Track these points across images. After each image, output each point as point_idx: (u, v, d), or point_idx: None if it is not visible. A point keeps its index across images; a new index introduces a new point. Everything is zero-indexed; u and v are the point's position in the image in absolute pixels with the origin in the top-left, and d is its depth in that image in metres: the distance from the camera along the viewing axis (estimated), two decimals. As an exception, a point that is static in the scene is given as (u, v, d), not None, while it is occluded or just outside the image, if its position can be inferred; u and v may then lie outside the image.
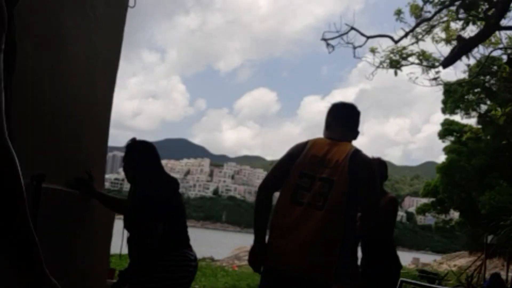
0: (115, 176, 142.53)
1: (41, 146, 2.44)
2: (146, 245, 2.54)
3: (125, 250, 2.71)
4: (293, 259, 2.26)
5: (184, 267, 2.61)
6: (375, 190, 2.43)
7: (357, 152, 2.38)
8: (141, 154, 2.74)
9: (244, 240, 37.74)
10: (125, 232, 2.71)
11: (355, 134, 2.61)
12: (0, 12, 1.03)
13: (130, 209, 2.70)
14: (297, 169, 2.38)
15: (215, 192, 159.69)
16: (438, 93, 21.95)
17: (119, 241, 2.83)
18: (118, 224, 3.46)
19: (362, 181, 2.31)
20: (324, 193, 2.28)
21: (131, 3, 3.57)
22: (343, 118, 2.59)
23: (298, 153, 2.42)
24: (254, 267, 2.48)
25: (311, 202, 2.28)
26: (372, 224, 2.42)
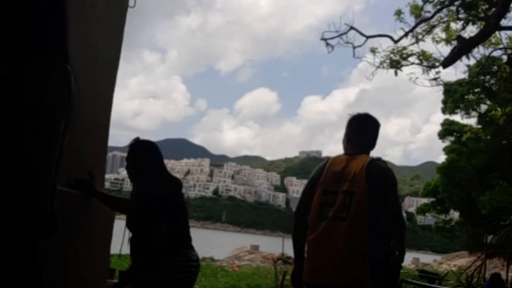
0: (115, 176, 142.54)
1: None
2: (149, 245, 2.54)
3: (125, 250, 2.71)
4: (325, 271, 2.41)
5: (186, 267, 2.61)
6: (393, 197, 2.52)
7: (372, 161, 2.50)
8: (144, 153, 2.74)
9: (244, 240, 37.75)
10: (127, 232, 2.71)
11: (373, 145, 2.70)
12: (67, 96, 1.26)
13: (132, 209, 2.71)
14: (320, 187, 2.52)
15: (215, 192, 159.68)
16: (438, 93, 22.00)
17: (119, 241, 2.83)
18: (118, 224, 3.46)
19: (379, 189, 2.41)
20: (346, 205, 2.40)
21: (131, 3, 3.57)
22: (362, 130, 2.68)
23: (319, 174, 2.58)
24: (296, 286, 2.63)
25: (335, 215, 2.42)
26: (398, 231, 2.51)
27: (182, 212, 2.72)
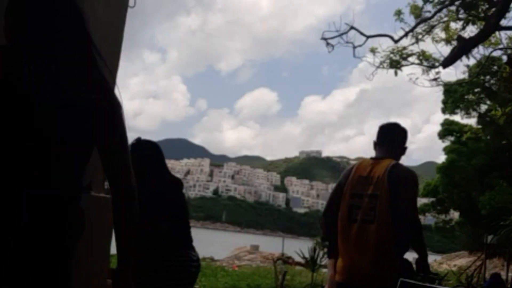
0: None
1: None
2: (149, 245, 2.54)
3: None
4: (358, 272, 2.52)
5: (186, 267, 2.61)
6: (412, 200, 2.62)
7: (395, 165, 2.59)
8: (145, 154, 2.74)
9: (244, 240, 37.73)
10: None
11: (401, 150, 2.80)
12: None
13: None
14: (348, 191, 2.64)
15: (215, 192, 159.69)
16: (438, 93, 21.96)
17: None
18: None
19: (400, 192, 2.51)
20: (372, 207, 2.52)
21: (131, 3, 3.57)
22: (388, 137, 2.79)
23: (345, 178, 2.68)
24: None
25: (363, 217, 2.54)
26: (413, 235, 2.62)
27: (182, 212, 2.72)
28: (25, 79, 1.35)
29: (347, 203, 2.61)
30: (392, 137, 2.79)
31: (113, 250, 3.44)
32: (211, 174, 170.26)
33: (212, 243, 31.59)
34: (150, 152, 2.75)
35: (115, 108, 1.59)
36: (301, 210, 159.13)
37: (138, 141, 2.79)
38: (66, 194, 1.48)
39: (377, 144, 2.80)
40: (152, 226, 2.53)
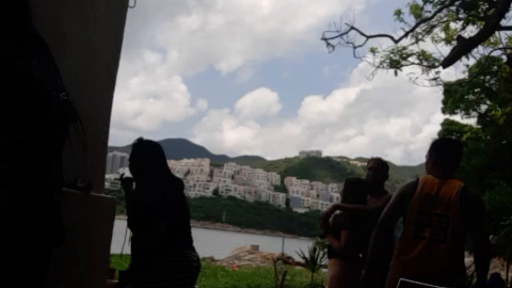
0: (115, 176, 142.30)
1: (41, 146, 2.44)
2: (149, 245, 2.54)
3: (126, 250, 2.71)
4: None
5: (187, 267, 2.61)
6: (484, 224, 2.76)
7: (465, 188, 2.69)
8: (147, 154, 2.74)
9: (244, 240, 37.72)
10: (128, 231, 2.71)
11: (458, 168, 2.91)
12: None
13: (134, 208, 2.71)
14: (414, 207, 2.68)
15: (215, 192, 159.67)
16: (438, 93, 21.90)
17: (119, 241, 2.83)
18: (118, 224, 3.46)
19: (473, 216, 2.63)
20: (443, 227, 2.60)
21: (131, 3, 3.57)
22: (450, 155, 2.86)
23: (410, 192, 2.74)
24: None
25: (432, 236, 2.60)
26: (487, 256, 2.77)
27: (183, 212, 2.72)
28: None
29: (414, 220, 2.67)
30: (452, 156, 2.88)
31: (113, 250, 3.44)
32: (211, 174, 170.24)
33: (212, 243, 31.59)
34: (151, 152, 2.76)
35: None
36: (301, 210, 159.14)
37: (140, 141, 2.80)
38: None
39: (437, 161, 2.83)
40: (153, 226, 2.53)
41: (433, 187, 2.67)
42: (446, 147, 2.90)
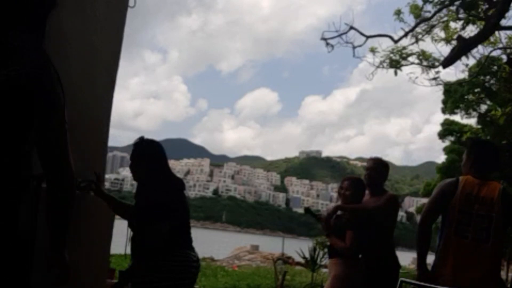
0: (115, 176, 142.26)
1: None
2: (149, 245, 2.54)
3: (128, 250, 2.71)
4: (469, 285, 2.64)
5: (187, 267, 2.61)
6: None
7: (505, 190, 2.79)
8: (147, 153, 2.74)
9: (244, 240, 37.71)
10: (129, 231, 2.71)
11: (496, 169, 3.06)
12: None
13: (135, 208, 2.71)
14: (455, 206, 2.75)
15: (215, 192, 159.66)
16: (438, 93, 21.89)
17: (119, 241, 2.83)
18: (118, 224, 3.46)
19: None
20: (485, 227, 2.67)
21: (131, 3, 3.57)
22: (488, 158, 2.94)
23: (450, 191, 2.80)
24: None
25: (474, 236, 2.68)
26: None
27: (183, 213, 2.72)
28: None
29: (455, 218, 2.73)
30: (491, 158, 2.96)
31: (113, 250, 3.44)
32: (211, 174, 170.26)
33: (212, 243, 31.59)
34: (152, 152, 2.75)
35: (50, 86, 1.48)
36: (301, 210, 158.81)
37: (141, 140, 2.79)
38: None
39: (476, 163, 2.90)
40: (153, 226, 2.53)
41: (474, 188, 2.75)
42: (484, 149, 3.01)
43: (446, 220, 2.79)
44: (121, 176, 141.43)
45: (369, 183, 3.69)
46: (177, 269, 2.57)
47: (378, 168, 3.78)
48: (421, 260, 2.89)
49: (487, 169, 2.89)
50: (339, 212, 3.62)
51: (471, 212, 2.70)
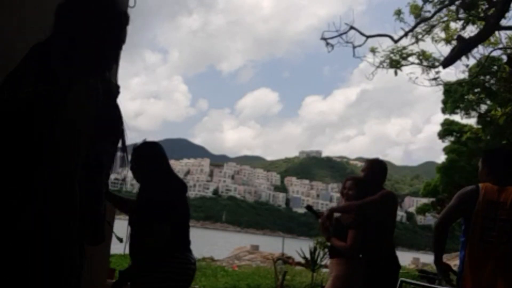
0: (115, 176, 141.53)
1: (41, 146, 2.43)
2: (151, 246, 2.54)
3: (127, 250, 2.71)
4: None
5: (185, 270, 2.63)
6: None
7: None
8: (147, 154, 2.74)
9: (244, 240, 37.73)
10: (128, 229, 2.71)
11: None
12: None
13: (137, 210, 2.70)
14: (479, 212, 2.86)
15: (215, 192, 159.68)
16: (439, 94, 21.91)
17: (119, 241, 2.82)
18: (118, 224, 3.46)
19: None
20: (507, 231, 2.79)
21: (131, 3, 3.57)
22: (502, 165, 3.06)
23: (472, 198, 2.91)
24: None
25: (498, 240, 2.79)
26: None
27: (184, 214, 2.72)
28: None
29: (480, 224, 2.85)
30: (509, 165, 3.07)
31: (113, 250, 3.44)
32: (211, 174, 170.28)
33: (212, 243, 31.60)
34: (151, 153, 2.75)
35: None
36: (301, 210, 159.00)
37: (143, 142, 2.79)
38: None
39: (493, 171, 3.05)
40: (154, 226, 2.53)
41: (494, 194, 2.88)
42: (498, 157, 3.15)
43: (469, 227, 2.89)
44: (121, 176, 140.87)
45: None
46: (177, 270, 2.58)
47: (374, 168, 3.78)
48: (438, 256, 3.02)
49: (503, 175, 3.00)
50: (337, 215, 3.63)
51: (495, 217, 2.82)
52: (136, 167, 2.74)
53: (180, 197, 2.71)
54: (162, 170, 2.72)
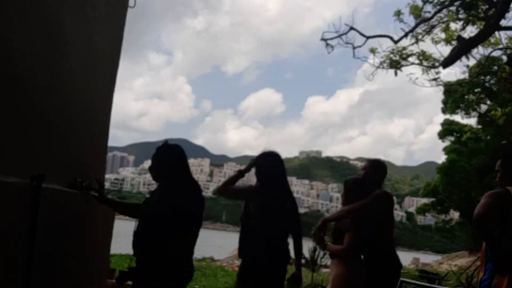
0: (115, 176, 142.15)
1: (41, 146, 2.44)
2: (159, 251, 2.50)
3: (127, 250, 2.70)
4: None
5: (189, 278, 2.64)
6: None
7: None
8: (166, 157, 2.72)
9: (244, 240, 37.59)
10: (133, 226, 2.66)
11: None
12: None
13: (157, 214, 2.59)
14: None
15: (215, 192, 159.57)
16: (440, 94, 21.95)
17: (119, 241, 2.81)
18: (118, 224, 3.46)
19: None
20: None
21: (131, 3, 3.57)
22: None
23: (508, 201, 2.95)
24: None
25: None
26: None
27: (195, 222, 2.69)
28: None
29: None
30: None
31: (113, 250, 3.44)
32: (211, 174, 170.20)
33: (212, 243, 31.57)
34: (170, 157, 2.72)
35: None
36: (301, 210, 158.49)
37: (163, 145, 2.78)
38: None
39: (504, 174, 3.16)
40: (177, 235, 2.50)
41: None
42: None
43: (507, 229, 2.89)
44: (121, 176, 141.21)
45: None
46: (185, 279, 2.61)
47: (374, 167, 3.78)
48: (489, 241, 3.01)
49: None
50: (332, 223, 3.67)
51: None
52: (156, 168, 2.72)
53: (195, 203, 2.70)
54: (183, 176, 2.69)
